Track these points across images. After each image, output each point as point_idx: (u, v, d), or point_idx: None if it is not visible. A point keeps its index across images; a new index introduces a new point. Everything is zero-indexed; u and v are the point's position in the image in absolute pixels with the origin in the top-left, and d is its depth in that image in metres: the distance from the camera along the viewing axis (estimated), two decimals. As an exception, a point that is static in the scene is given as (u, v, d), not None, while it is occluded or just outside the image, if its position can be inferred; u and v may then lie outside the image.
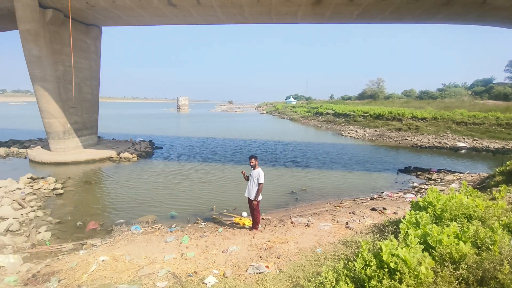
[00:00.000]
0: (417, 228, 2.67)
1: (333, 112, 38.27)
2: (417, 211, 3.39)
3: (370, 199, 8.22)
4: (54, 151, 13.15)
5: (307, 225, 5.88)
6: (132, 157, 13.56)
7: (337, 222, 6.06)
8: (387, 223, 4.33)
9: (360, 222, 5.85)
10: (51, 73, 12.10)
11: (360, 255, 2.69)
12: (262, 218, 6.80)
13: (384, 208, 6.60)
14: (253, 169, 5.55)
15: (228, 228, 6.02)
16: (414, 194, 8.51)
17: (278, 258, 4.22)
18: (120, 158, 13.48)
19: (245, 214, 7.21)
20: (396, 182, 10.61)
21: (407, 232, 2.68)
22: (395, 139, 23.01)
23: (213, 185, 9.77)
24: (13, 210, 6.72)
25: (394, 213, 6.19)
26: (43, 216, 6.81)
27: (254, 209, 5.62)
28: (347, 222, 5.88)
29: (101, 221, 6.77)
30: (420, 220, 2.76)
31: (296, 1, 10.43)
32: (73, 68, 12.91)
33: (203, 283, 3.51)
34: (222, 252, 4.63)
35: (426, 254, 2.35)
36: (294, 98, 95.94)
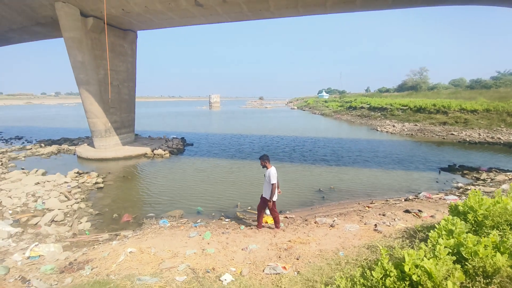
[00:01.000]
0: (450, 237, 2.36)
1: (368, 105, 36.24)
2: (455, 217, 3.02)
3: (405, 200, 7.59)
4: (97, 148, 14.41)
5: (332, 225, 5.63)
6: (164, 154, 14.30)
7: (364, 224, 5.70)
8: (419, 228, 3.94)
9: (390, 225, 5.43)
10: (93, 76, 13.23)
11: (379, 263, 2.47)
12: (286, 217, 6.69)
13: (419, 211, 6.04)
14: (266, 168, 5.46)
15: (250, 226, 6.01)
16: (457, 196, 7.67)
17: (298, 259, 4.10)
18: (154, 154, 14.30)
19: (268, 212, 7.14)
20: (437, 182, 9.66)
21: (437, 241, 2.38)
22: (439, 134, 21.02)
23: (239, 182, 9.86)
24: (59, 202, 7.51)
25: (431, 216, 5.63)
26: (85, 207, 7.49)
27: (271, 209, 5.54)
28: (375, 225, 5.50)
29: (134, 214, 7.22)
30: (453, 228, 2.43)
31: (324, -10, 9.95)
32: (109, 71, 13.92)
33: (220, 280, 3.54)
34: (242, 249, 4.63)
35: (458, 266, 2.06)
36: (327, 93, 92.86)
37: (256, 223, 6.08)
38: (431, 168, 11.62)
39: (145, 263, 4.11)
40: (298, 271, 3.65)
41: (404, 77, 58.16)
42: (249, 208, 7.48)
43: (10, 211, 6.97)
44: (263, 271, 3.76)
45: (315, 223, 5.91)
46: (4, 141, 19.84)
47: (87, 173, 10.78)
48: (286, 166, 12.02)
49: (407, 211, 6.23)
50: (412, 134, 21.88)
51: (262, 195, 5.65)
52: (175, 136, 19.73)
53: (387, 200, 7.80)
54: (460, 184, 9.10)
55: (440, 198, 7.32)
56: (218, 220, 6.65)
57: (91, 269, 4.03)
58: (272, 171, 5.34)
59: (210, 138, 20.47)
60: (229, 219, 6.66)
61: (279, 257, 4.24)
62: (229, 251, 4.56)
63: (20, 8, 12.63)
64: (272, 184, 5.31)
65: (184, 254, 4.45)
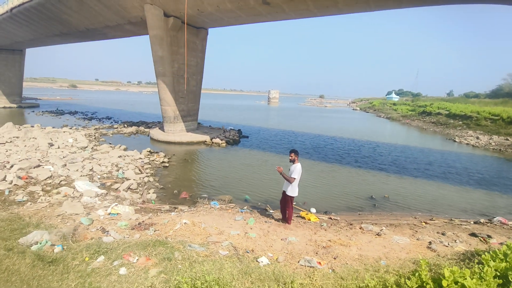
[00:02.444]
0: (504, 261, 2.13)
1: (447, 112, 31.65)
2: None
3: (474, 223, 6.62)
4: (166, 132, 16.40)
5: (378, 234, 5.37)
6: (221, 143, 15.39)
7: (417, 239, 5.26)
8: (479, 252, 3.50)
9: (448, 246, 4.89)
10: (169, 69, 15.04)
11: (417, 274, 2.39)
12: (330, 218, 6.62)
13: (488, 236, 5.24)
14: (293, 163, 5.49)
15: (293, 220, 6.15)
16: (547, 227, 6.31)
17: (335, 259, 4.12)
18: (212, 143, 15.53)
19: (313, 210, 7.17)
20: (522, 208, 8.08)
21: (488, 263, 2.17)
22: (538, 153, 17.15)
23: (287, 178, 10.01)
24: (135, 174, 8.96)
25: (501, 243, 4.83)
26: (153, 181, 8.77)
27: (288, 204, 5.64)
28: (430, 242, 5.03)
29: (191, 192, 8.13)
30: (509, 252, 2.18)
31: (401, -17, 9.15)
32: (186, 66, 15.58)
33: (257, 261, 3.85)
34: (281, 239, 4.86)
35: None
36: (397, 94, 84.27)
37: (298, 217, 6.22)
38: (519, 191, 9.70)
39: (195, 234, 4.71)
40: (333, 269, 3.69)
41: (500, 81, 48.55)
42: (294, 203, 7.58)
43: (99, 176, 8.65)
44: (298, 262, 3.92)
45: (360, 228, 5.72)
46: (98, 119, 24.26)
47: (156, 152, 12.43)
48: (336, 170, 11.63)
49: (473, 235, 5.48)
50: (500, 149, 18.39)
51: (284, 191, 5.69)
52: (232, 128, 20.92)
53: (451, 220, 6.94)
54: (556, 216, 7.42)
55: (520, 227, 6.16)
56: (263, 210, 6.98)
57: (154, 231, 4.82)
58: (298, 167, 5.41)
59: (264, 133, 21.03)
60: (273, 211, 6.92)
61: (316, 253, 4.32)
62: (269, 239, 4.84)
63: (116, 9, 15.13)
64: (291, 178, 5.37)
65: (228, 233, 4.91)
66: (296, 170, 5.40)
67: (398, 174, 11.34)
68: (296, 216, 6.55)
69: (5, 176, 7.51)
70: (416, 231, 5.72)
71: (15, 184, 7.27)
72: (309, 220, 6.26)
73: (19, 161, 9.04)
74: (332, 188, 9.26)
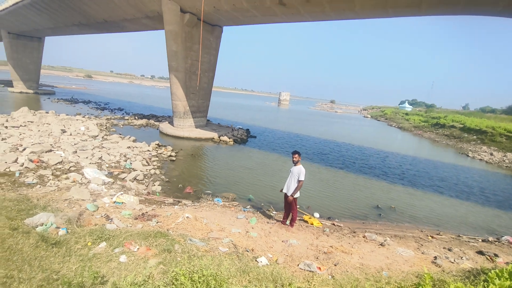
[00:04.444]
0: (509, 280, 2.04)
1: (462, 125, 30.80)
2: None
3: (482, 241, 6.41)
4: (175, 127, 16.55)
5: (382, 244, 5.25)
6: (229, 141, 15.42)
7: (422, 253, 5.13)
8: (485, 270, 3.37)
9: (454, 262, 4.74)
10: (182, 65, 15.18)
11: None
12: (333, 224, 6.53)
13: (495, 255, 5.06)
14: (295, 165, 5.40)
15: (295, 223, 6.09)
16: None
17: (335, 265, 4.04)
18: (220, 140, 15.58)
19: (317, 215, 7.08)
20: (533, 229, 7.77)
21: (493, 281, 2.08)
22: (555, 173, 16.48)
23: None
24: (142, 165, 9.06)
25: (507, 263, 4.66)
26: (159, 174, 8.85)
27: (290, 206, 5.52)
28: (435, 257, 4.89)
29: (195, 188, 8.15)
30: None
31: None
32: (199, 62, 15.71)
33: (256, 260, 3.82)
34: (282, 241, 4.81)
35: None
36: (411, 104, 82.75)
37: (300, 221, 6.16)
38: (532, 212, 9.33)
39: (197, 229, 4.72)
40: (333, 276, 3.62)
41: (518, 97, 47.14)
42: (298, 206, 7.51)
43: (107, 165, 8.79)
44: (298, 265, 3.86)
45: (364, 237, 5.61)
46: (110, 110, 24.72)
47: (164, 146, 12.56)
48: (341, 177, 11.46)
49: (480, 252, 5.30)
50: (514, 167, 17.79)
51: (285, 193, 5.55)
52: (240, 127, 20.96)
53: (459, 236, 6.74)
54: None
55: (530, 248, 5.92)
56: (266, 211, 6.94)
57: (156, 222, 4.86)
58: (303, 169, 5.34)
59: (273, 134, 20.96)
60: (276, 212, 6.88)
61: (317, 258, 4.26)
62: (269, 239, 4.81)
63: (134, 2, 15.40)
64: (300, 181, 5.29)
65: (229, 231, 4.90)
66: (302, 172, 5.34)
67: (407, 187, 11.05)
68: (299, 220, 6.48)
69: (17, 158, 7.72)
70: (422, 245, 5.58)
71: (26, 167, 7.46)
72: (312, 224, 6.19)
73: (31, 144, 9.28)
74: (337, 195, 9.14)
